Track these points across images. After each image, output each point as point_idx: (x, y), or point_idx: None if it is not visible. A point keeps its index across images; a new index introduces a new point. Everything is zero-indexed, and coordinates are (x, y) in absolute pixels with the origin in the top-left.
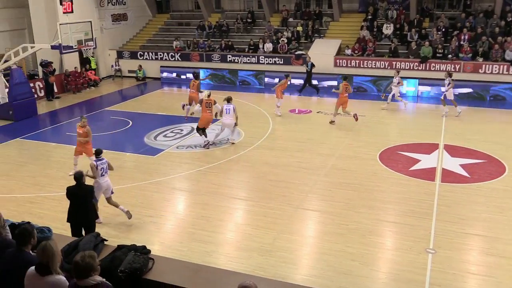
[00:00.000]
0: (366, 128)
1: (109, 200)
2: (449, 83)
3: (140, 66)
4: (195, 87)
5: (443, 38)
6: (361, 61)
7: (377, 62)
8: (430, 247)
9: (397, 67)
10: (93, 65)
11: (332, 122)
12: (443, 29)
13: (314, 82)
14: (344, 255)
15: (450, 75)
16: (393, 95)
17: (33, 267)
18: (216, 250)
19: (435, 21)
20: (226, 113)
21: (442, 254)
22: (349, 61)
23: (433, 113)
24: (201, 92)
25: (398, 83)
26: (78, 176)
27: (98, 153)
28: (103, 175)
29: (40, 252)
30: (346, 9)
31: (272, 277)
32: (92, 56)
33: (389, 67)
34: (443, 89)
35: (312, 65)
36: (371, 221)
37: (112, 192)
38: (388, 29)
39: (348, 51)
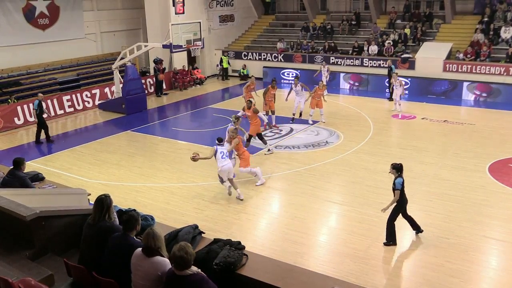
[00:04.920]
0: (476, 137)
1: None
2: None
3: (245, 65)
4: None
5: None
6: (474, 66)
7: (491, 67)
8: None
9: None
10: (225, 64)
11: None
12: None
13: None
14: (443, 270)
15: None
16: (400, 96)
17: (139, 248)
18: (308, 252)
19: None
20: None
21: None
22: (460, 65)
23: None
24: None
25: (400, 85)
26: None
27: (219, 140)
28: (223, 158)
29: (151, 238)
30: (460, 10)
31: (364, 284)
32: (224, 55)
33: (505, 73)
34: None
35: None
36: (475, 237)
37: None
38: (507, 33)
39: (460, 55)
